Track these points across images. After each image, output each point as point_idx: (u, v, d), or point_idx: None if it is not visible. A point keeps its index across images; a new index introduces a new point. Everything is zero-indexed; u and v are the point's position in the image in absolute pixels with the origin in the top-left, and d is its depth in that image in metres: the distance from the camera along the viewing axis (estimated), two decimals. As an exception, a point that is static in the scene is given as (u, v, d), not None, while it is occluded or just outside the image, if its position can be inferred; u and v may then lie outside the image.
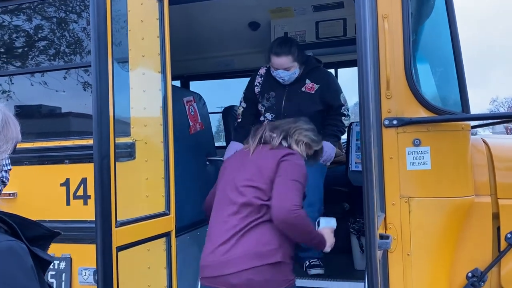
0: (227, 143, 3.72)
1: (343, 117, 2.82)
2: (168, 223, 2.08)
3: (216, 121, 5.16)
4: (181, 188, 2.41)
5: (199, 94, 3.05)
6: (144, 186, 2.14)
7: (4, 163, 1.17)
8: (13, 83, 2.48)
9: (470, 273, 1.86)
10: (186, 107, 2.81)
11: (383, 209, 1.83)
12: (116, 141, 1.99)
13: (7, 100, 2.49)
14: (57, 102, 2.55)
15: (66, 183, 2.21)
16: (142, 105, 2.17)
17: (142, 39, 2.16)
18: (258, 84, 2.89)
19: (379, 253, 1.52)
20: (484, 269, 1.84)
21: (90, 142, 1.96)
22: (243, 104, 2.96)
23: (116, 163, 1.95)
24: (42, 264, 1.11)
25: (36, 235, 1.12)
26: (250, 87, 2.94)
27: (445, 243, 1.85)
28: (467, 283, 1.86)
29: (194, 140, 2.84)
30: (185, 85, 4.72)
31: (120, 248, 1.74)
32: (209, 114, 3.26)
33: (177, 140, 2.32)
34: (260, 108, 2.88)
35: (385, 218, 1.83)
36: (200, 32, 3.89)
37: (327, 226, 2.03)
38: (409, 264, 1.79)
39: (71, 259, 2.19)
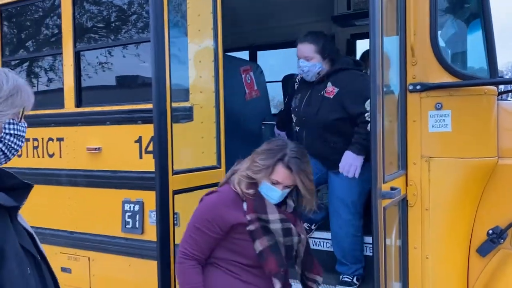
0: (286, 108, 3.96)
1: (368, 125, 2.21)
2: (219, 175, 2.43)
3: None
4: (235, 147, 2.74)
5: (256, 64, 3.34)
6: (200, 143, 2.50)
7: (9, 127, 1.21)
8: (97, 57, 2.94)
9: (490, 230, 1.96)
10: (243, 75, 3.11)
11: (404, 167, 1.99)
12: (177, 106, 2.39)
13: (96, 71, 2.98)
14: (134, 71, 2.98)
15: (139, 140, 2.64)
16: (198, 74, 2.51)
17: (198, 15, 2.47)
18: (297, 81, 2.77)
19: (388, 203, 1.73)
20: (505, 227, 1.94)
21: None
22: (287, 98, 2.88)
23: (178, 124, 2.35)
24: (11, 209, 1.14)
25: (15, 184, 1.16)
26: (294, 82, 2.81)
27: (464, 201, 1.96)
28: (486, 239, 1.97)
29: (250, 106, 3.15)
30: (253, 56, 5.00)
31: (176, 192, 2.12)
32: (274, 83, 3.53)
33: (233, 105, 2.65)
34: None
35: (406, 176, 1.99)
36: (265, 2, 4.12)
37: None
38: (427, 218, 1.94)
39: (143, 203, 2.64)
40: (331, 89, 2.47)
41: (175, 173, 2.11)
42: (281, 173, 1.73)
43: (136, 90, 2.89)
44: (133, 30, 2.83)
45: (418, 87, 1.94)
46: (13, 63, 3.26)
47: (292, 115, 2.68)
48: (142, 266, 2.58)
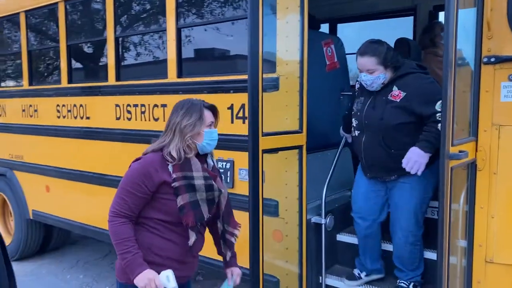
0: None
1: (439, 124, 2.25)
2: (300, 139, 2.73)
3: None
4: (315, 115, 3.02)
5: (337, 37, 3.54)
6: (284, 111, 2.81)
7: None
8: (196, 33, 3.33)
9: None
10: (324, 48, 3.34)
11: (475, 134, 2.16)
12: (265, 77, 2.70)
13: (194, 46, 3.38)
14: (228, 46, 3.33)
15: (231, 107, 3.01)
16: (285, 48, 2.80)
17: (287, -6, 2.74)
18: (358, 85, 2.74)
19: (455, 164, 1.92)
20: None
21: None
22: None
23: (265, 93, 2.67)
24: None
25: None
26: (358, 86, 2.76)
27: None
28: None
29: (330, 77, 3.38)
30: (333, 28, 5.16)
31: (265, 151, 2.47)
32: (349, 55, 3.71)
33: (314, 76, 2.90)
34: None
35: (476, 142, 2.16)
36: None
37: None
38: (494, 181, 2.10)
39: (233, 161, 3.03)
40: (397, 93, 2.46)
41: (264, 135, 2.45)
42: (208, 115, 2.05)
43: (228, 62, 3.24)
44: (228, 8, 3.16)
45: (492, 59, 2.07)
46: (125, 39, 3.77)
47: (353, 119, 2.69)
48: (232, 216, 2.99)
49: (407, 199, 2.57)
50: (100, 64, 4.02)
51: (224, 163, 3.07)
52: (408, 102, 2.43)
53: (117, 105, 3.74)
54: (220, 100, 3.04)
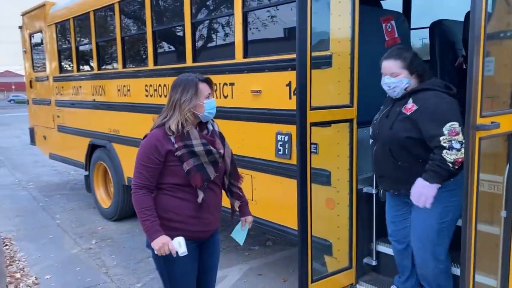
0: (432, 58, 4.06)
1: (444, 151, 2.24)
2: (351, 113, 2.90)
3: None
4: (371, 90, 3.12)
5: (398, 12, 3.56)
6: (337, 86, 2.98)
7: None
8: (259, 17, 3.59)
9: None
10: (383, 24, 3.40)
11: (517, 106, 2.16)
12: (319, 54, 2.90)
13: (258, 28, 3.64)
14: (287, 26, 3.54)
15: (289, 84, 3.24)
16: (337, 26, 2.95)
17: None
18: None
19: (485, 135, 1.98)
20: None
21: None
22: None
23: (319, 69, 2.87)
24: None
25: None
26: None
27: None
28: None
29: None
30: (407, 3, 5.05)
31: (313, 124, 2.68)
32: (416, 30, 3.71)
33: (371, 52, 3.00)
34: None
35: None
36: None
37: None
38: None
39: (291, 134, 3.27)
40: (410, 106, 2.39)
41: (312, 108, 2.67)
42: (204, 87, 2.26)
43: (287, 42, 3.46)
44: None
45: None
46: (199, 25, 4.16)
47: (370, 126, 2.69)
48: (289, 184, 3.25)
49: (423, 222, 2.50)
50: (180, 47, 4.47)
51: (283, 136, 3.33)
52: (418, 117, 2.34)
53: (193, 84, 4.16)
54: (279, 78, 3.30)
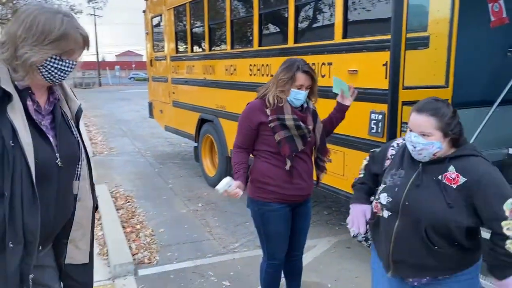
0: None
1: (508, 242, 1.66)
2: (446, 93, 2.92)
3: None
4: (472, 71, 3.10)
5: (510, -9, 3.39)
6: (433, 67, 3.01)
7: (52, 61, 1.47)
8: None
9: None
10: (490, 4, 3.29)
11: None
12: (416, 35, 2.96)
13: (356, 10, 3.75)
14: (385, 7, 3.59)
15: (386, 64, 3.31)
16: (436, 8, 2.96)
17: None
18: (390, 157, 2.01)
19: None
20: None
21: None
22: (362, 171, 2.19)
23: (416, 50, 2.94)
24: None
25: None
26: (380, 158, 2.06)
27: None
28: None
29: (494, 33, 3.32)
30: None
31: (405, 103, 2.78)
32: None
33: (475, 32, 2.98)
34: (379, 188, 1.98)
35: None
36: None
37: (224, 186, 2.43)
38: None
39: (385, 113, 3.36)
40: (454, 176, 1.76)
41: (405, 88, 2.76)
42: (302, 78, 2.40)
43: (385, 23, 3.52)
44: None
45: None
46: (301, 6, 4.38)
47: (385, 194, 1.90)
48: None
49: None
50: (283, 29, 4.73)
51: (376, 115, 3.43)
52: (471, 193, 1.72)
53: (294, 64, 4.42)
54: (376, 58, 3.40)
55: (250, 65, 5.22)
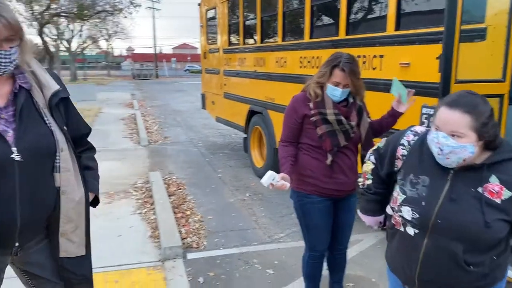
0: None
1: None
2: (502, 88, 2.80)
3: None
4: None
5: None
6: (489, 60, 2.89)
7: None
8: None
9: None
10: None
11: None
12: (472, 27, 2.86)
13: (410, 1, 3.65)
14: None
15: (439, 57, 3.23)
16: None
17: None
18: (401, 157, 1.69)
19: None
20: None
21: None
22: (369, 176, 1.87)
23: (471, 43, 2.84)
24: None
25: None
26: (387, 158, 1.76)
27: None
28: None
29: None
30: None
31: (457, 97, 2.70)
32: None
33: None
34: (395, 195, 1.67)
35: None
36: None
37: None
38: None
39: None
40: (497, 188, 1.46)
41: (458, 82, 2.68)
42: (339, 75, 2.30)
43: (439, 15, 3.42)
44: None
45: None
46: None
47: (409, 208, 1.58)
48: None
49: None
50: (334, 21, 4.70)
51: (428, 109, 3.35)
52: None
53: (344, 57, 4.39)
54: (429, 51, 3.31)
55: (301, 57, 5.23)
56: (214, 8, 8.16)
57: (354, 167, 2.65)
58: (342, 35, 4.40)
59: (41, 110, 1.59)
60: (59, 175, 1.61)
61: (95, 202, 1.90)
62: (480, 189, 1.47)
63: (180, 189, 6.02)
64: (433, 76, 3.26)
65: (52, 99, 1.62)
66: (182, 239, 4.19)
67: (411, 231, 1.59)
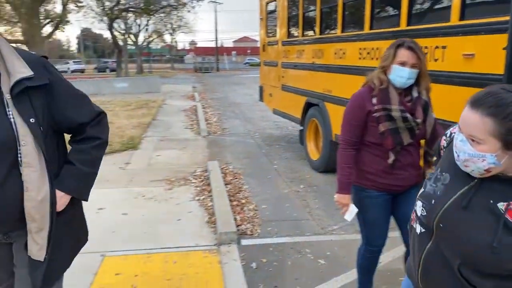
0: None
1: None
2: None
3: None
4: None
5: None
6: None
7: None
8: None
9: None
10: None
11: None
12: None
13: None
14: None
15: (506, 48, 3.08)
16: None
17: None
18: (442, 148, 1.55)
19: None
20: None
21: None
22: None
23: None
24: None
25: None
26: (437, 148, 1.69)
27: None
28: None
29: None
30: None
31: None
32: None
33: None
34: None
35: None
36: None
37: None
38: None
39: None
40: None
41: (525, 72, 2.55)
42: (404, 54, 2.19)
43: (504, 5, 3.24)
44: None
45: None
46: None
47: (421, 203, 1.44)
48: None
49: None
50: (395, 11, 4.58)
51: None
52: None
53: (405, 48, 4.28)
54: (495, 41, 3.16)
55: (360, 48, 5.16)
56: (274, 0, 8.22)
57: (416, 162, 2.54)
58: (403, 25, 4.29)
59: (5, 100, 1.48)
60: (22, 170, 1.52)
61: (75, 201, 1.74)
62: (501, 206, 1.20)
63: (236, 178, 6.18)
64: (499, 67, 3.11)
65: (14, 88, 1.47)
66: (237, 225, 4.33)
67: (418, 229, 1.44)
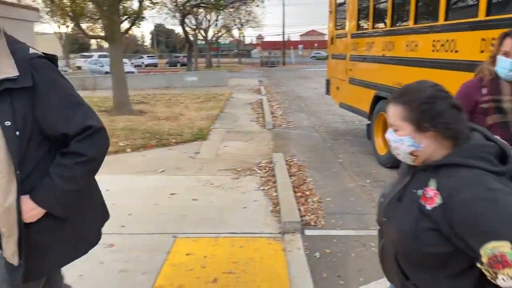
0: None
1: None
2: None
3: None
4: None
5: None
6: None
7: None
8: None
9: None
10: None
11: None
12: None
13: None
14: None
15: None
16: None
17: None
18: None
19: None
20: None
21: None
22: None
23: None
24: None
25: None
26: None
27: None
28: None
29: None
30: None
31: None
32: None
33: None
34: None
35: None
36: None
37: None
38: None
39: None
40: (432, 194, 1.26)
41: None
42: (508, 43, 2.08)
43: None
44: None
45: None
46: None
47: (379, 201, 1.54)
48: None
49: None
50: (472, 1, 4.37)
51: None
52: (441, 219, 1.22)
53: (483, 39, 4.08)
54: None
55: (434, 40, 4.98)
56: (344, -7, 8.12)
57: None
58: (481, 16, 4.09)
59: None
60: None
61: (50, 216, 1.57)
62: (420, 192, 1.30)
63: (300, 170, 6.24)
64: None
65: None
66: (301, 216, 4.40)
67: (377, 226, 1.56)
